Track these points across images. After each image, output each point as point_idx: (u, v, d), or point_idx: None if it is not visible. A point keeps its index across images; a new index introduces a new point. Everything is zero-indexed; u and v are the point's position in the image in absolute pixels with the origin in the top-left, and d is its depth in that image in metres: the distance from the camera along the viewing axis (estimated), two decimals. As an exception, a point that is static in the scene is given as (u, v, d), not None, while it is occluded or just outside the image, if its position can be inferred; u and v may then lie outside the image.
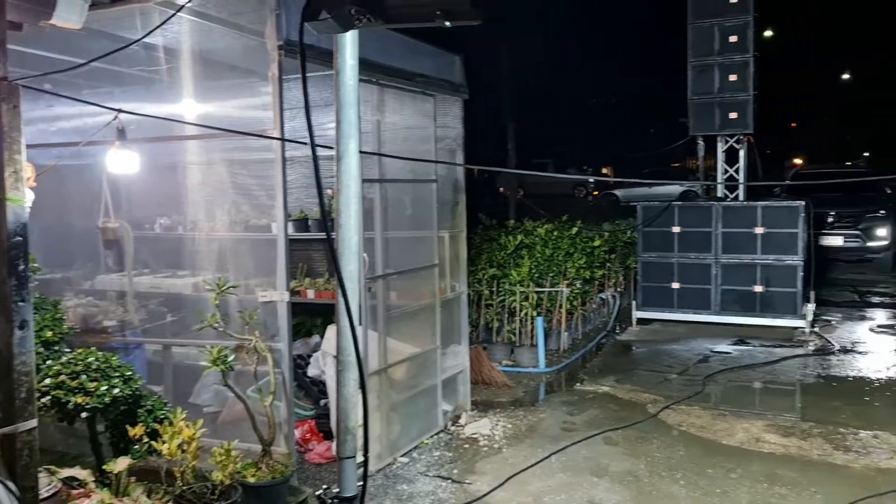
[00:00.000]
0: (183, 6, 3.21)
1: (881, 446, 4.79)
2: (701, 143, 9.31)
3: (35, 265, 3.83)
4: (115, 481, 3.18)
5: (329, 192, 4.17)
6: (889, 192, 14.35)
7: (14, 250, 2.38)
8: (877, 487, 4.15)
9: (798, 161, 38.29)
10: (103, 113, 3.57)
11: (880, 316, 9.05)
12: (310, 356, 5.07)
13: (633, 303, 8.65)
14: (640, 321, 8.57)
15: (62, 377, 3.30)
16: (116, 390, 3.35)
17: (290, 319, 3.89)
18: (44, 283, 4.48)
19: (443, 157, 5.09)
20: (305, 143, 2.45)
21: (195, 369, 4.41)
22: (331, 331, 4.75)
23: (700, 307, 8.31)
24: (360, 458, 2.77)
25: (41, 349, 3.65)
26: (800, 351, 7.34)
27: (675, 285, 8.37)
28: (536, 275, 7.26)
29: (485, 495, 4.17)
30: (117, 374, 3.42)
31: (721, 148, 9.09)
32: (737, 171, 9.12)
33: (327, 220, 2.73)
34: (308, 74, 2.38)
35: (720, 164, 9.19)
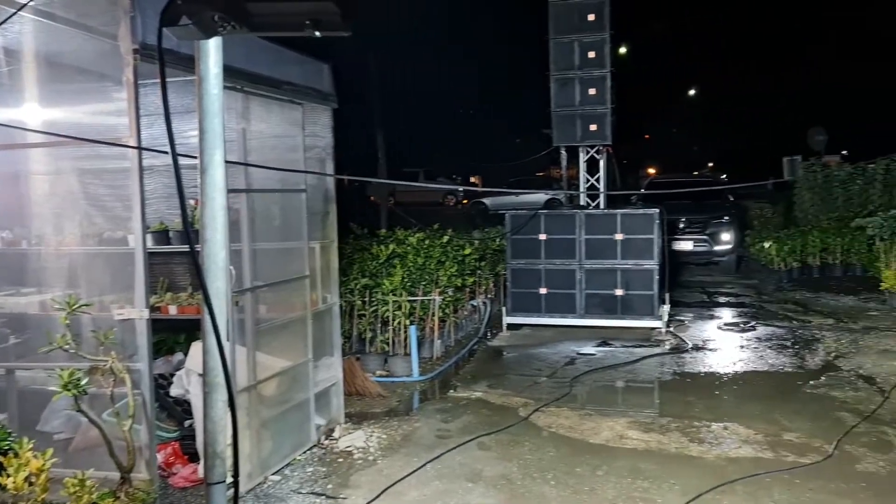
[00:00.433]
0: (23, 5, 2.97)
1: (731, 437, 5.14)
2: (564, 153, 9.68)
3: None
4: (-50, 524, 2.88)
5: (192, 202, 3.99)
6: (731, 199, 15.54)
7: None
8: (728, 475, 4.44)
9: (651, 170, 40.73)
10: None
11: (727, 315, 9.74)
12: (172, 375, 4.81)
13: (504, 309, 8.85)
14: (511, 326, 8.78)
15: None
16: (-50, 422, 3.04)
17: (151, 337, 3.68)
18: None
19: (312, 167, 5.00)
20: (165, 153, 2.33)
21: (43, 394, 4.08)
22: (195, 348, 4.54)
23: (566, 311, 8.62)
24: (229, 480, 2.65)
25: None
26: (657, 350, 7.76)
27: (543, 291, 8.64)
28: (409, 283, 7.27)
29: (360, 509, 4.12)
30: (-49, 404, 3.10)
31: (583, 158, 9.50)
32: (597, 180, 9.56)
33: (190, 233, 2.60)
34: (168, 80, 2.26)
35: (582, 173, 9.60)
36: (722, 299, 11.07)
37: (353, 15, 1.88)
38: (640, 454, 4.88)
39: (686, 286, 12.24)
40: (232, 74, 3.98)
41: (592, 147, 9.31)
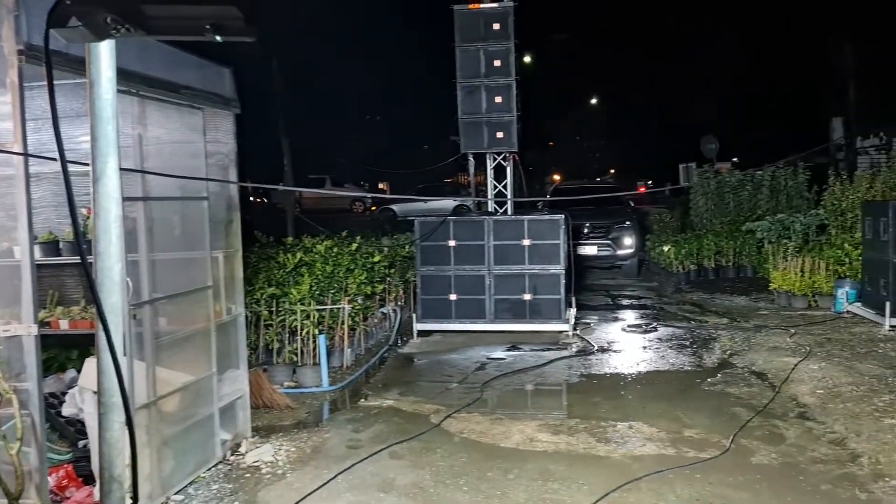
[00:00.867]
0: None
1: (635, 435, 5.29)
2: (472, 159, 9.77)
3: None
4: None
5: (84, 211, 3.78)
6: (632, 204, 16.11)
7: None
8: (633, 473, 4.57)
9: (557, 177, 41.78)
10: None
11: (630, 316, 10.06)
12: (64, 393, 4.54)
13: (414, 315, 8.84)
14: (421, 333, 8.78)
15: None
16: None
17: (40, 354, 3.46)
18: None
19: (214, 173, 4.84)
20: (54, 160, 2.19)
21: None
22: (89, 364, 4.30)
23: (476, 316, 8.69)
24: (128, 502, 2.51)
25: None
26: (565, 353, 7.92)
27: (453, 297, 8.68)
28: (317, 292, 7.16)
29: (269, 526, 4.01)
30: None
31: (490, 165, 9.61)
32: (505, 187, 9.69)
33: (82, 244, 2.45)
34: (57, 83, 2.12)
35: (489, 180, 9.71)
36: (625, 302, 11.43)
37: (257, 21, 1.82)
38: (550, 456, 4.96)
39: (591, 289, 12.58)
40: (127, 77, 3.81)
41: (499, 154, 9.43)
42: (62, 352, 4.99)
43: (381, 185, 37.33)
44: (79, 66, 2.48)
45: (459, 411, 5.92)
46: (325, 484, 4.51)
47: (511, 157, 9.47)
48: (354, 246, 8.15)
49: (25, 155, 3.26)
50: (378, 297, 8.52)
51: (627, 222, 14.05)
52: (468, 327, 8.71)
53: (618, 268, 14.46)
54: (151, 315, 4.22)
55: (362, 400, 6.37)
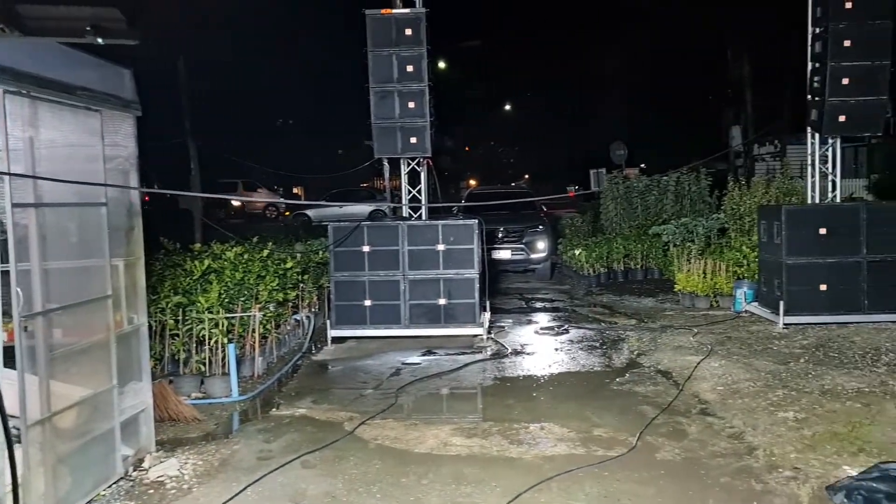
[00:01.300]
0: None
1: (547, 436, 5.38)
2: (387, 164, 9.75)
3: None
4: None
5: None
6: (545, 209, 16.44)
7: None
8: (545, 473, 4.64)
9: (473, 182, 42.23)
10: None
11: (543, 319, 10.23)
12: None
13: (328, 322, 8.72)
14: (336, 340, 8.67)
15: None
16: None
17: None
18: None
19: (114, 178, 4.64)
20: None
21: None
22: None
23: (391, 322, 8.65)
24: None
25: None
26: (479, 356, 7.98)
27: (368, 302, 8.62)
28: (227, 300, 6.97)
29: (174, 543, 3.86)
30: None
31: (404, 170, 9.60)
32: (419, 192, 9.70)
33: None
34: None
35: (404, 185, 9.70)
36: (538, 305, 11.63)
37: (139, 24, 1.75)
38: (464, 460, 4.98)
39: (505, 293, 12.74)
40: (15, 77, 3.61)
41: (413, 159, 9.44)
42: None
43: (295, 190, 36.78)
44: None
45: (374, 418, 5.88)
46: (234, 497, 4.39)
47: (425, 162, 9.49)
48: (266, 252, 7.97)
49: None
50: (291, 303, 8.38)
51: (540, 227, 14.33)
52: (383, 333, 8.66)
53: (531, 271, 14.71)
54: (45, 327, 4.00)
55: (274, 409, 6.24)
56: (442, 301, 8.62)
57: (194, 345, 6.69)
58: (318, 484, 4.60)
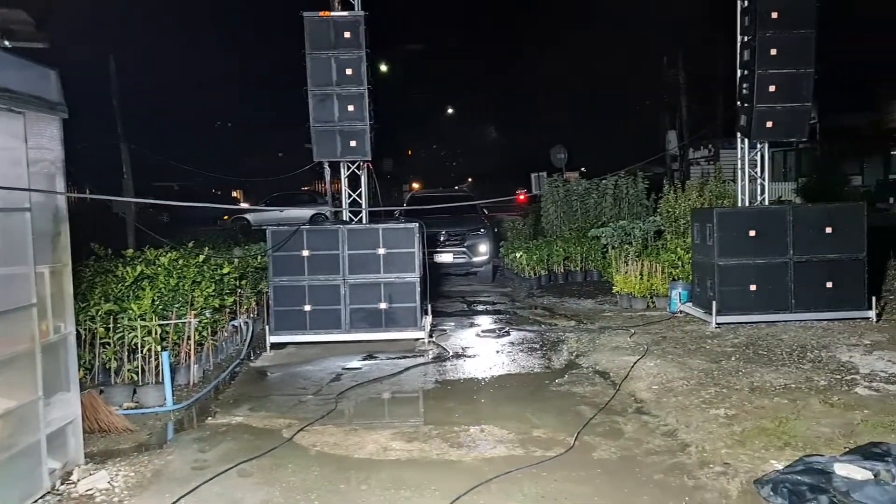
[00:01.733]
0: None
1: (487, 438, 5.41)
2: (327, 167, 9.64)
3: None
4: None
5: None
6: (486, 212, 16.55)
7: None
8: (484, 475, 4.66)
9: (416, 185, 42.26)
10: None
11: (484, 322, 10.29)
12: None
13: (267, 328, 8.60)
14: (275, 346, 8.55)
15: None
16: None
17: None
18: None
19: (39, 183, 4.48)
20: None
21: None
22: None
23: (332, 327, 8.58)
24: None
25: None
26: (421, 360, 7.98)
27: (308, 308, 8.52)
28: (161, 306, 6.80)
29: (103, 558, 3.74)
30: None
31: (344, 173, 9.53)
32: (359, 196, 9.65)
33: None
34: None
35: (344, 188, 9.63)
36: (480, 307, 11.69)
37: (48, 26, 1.69)
38: (404, 464, 4.97)
39: (447, 296, 12.78)
40: (-72, 76, 3.46)
41: (353, 162, 9.38)
42: None
43: (234, 194, 36.15)
44: None
45: (313, 424, 5.81)
46: (167, 509, 4.28)
47: (365, 165, 9.45)
48: (202, 257, 7.80)
49: None
50: (228, 309, 8.23)
51: (482, 230, 14.42)
52: (323, 338, 8.58)
53: (473, 274, 14.79)
54: (-37, 337, 3.84)
55: (210, 418, 6.10)
56: (383, 305, 8.59)
57: (126, 353, 6.51)
58: (254, 493, 4.52)
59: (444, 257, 13.96)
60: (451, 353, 8.25)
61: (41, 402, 4.42)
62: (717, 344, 7.92)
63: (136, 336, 6.44)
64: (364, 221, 9.52)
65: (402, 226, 8.81)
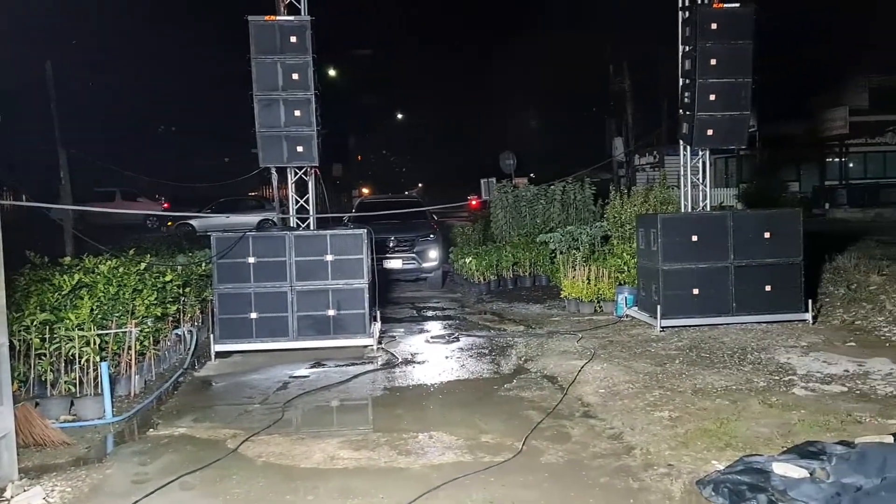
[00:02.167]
0: None
1: (435, 445, 5.40)
2: (275, 173, 9.54)
3: None
4: None
5: None
6: (436, 218, 16.58)
7: None
8: (432, 482, 4.64)
9: (366, 190, 42.09)
10: None
11: (434, 328, 10.29)
12: None
13: (212, 336, 8.43)
14: (220, 354, 8.39)
15: None
16: None
17: None
18: None
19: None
20: None
21: None
22: None
23: (279, 335, 8.46)
24: None
25: None
26: (370, 367, 7.93)
27: (254, 315, 8.39)
28: (100, 316, 6.61)
29: (36, 578, 3.60)
30: None
31: (291, 179, 9.43)
32: (307, 202, 9.55)
33: None
34: None
35: (291, 194, 9.52)
36: (430, 313, 11.68)
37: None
38: (352, 472, 4.92)
39: (397, 302, 12.73)
40: None
41: (300, 168, 9.29)
42: None
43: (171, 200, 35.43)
44: None
45: (259, 434, 5.72)
46: (105, 525, 4.15)
47: (313, 171, 9.36)
48: (143, 265, 7.61)
49: None
50: (171, 318, 8.04)
51: (431, 236, 14.43)
52: (270, 346, 8.45)
53: (423, 280, 14.78)
54: None
55: (151, 430, 5.95)
56: (331, 312, 8.51)
57: (63, 364, 6.29)
58: (197, 506, 4.42)
59: (394, 263, 13.91)
60: (400, 360, 8.21)
61: (-30, 416, 4.25)
62: (662, 347, 8.07)
63: (74, 346, 6.24)
64: (312, 228, 9.42)
65: (350, 232, 8.75)
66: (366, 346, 8.66)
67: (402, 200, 17.90)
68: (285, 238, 8.50)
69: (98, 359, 6.27)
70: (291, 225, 9.49)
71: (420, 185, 48.38)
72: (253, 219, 22.29)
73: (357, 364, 8.05)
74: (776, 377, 6.68)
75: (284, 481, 4.79)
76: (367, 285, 8.58)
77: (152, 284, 7.43)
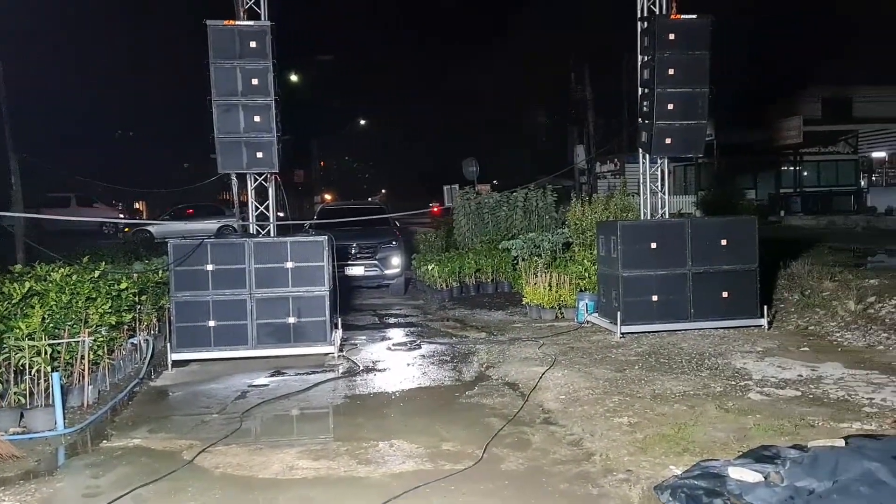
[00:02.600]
0: None
1: (396, 454, 5.36)
2: (235, 179, 9.41)
3: None
4: None
5: None
6: (398, 225, 16.54)
7: None
8: (392, 492, 4.61)
9: (328, 196, 41.83)
10: None
11: (396, 335, 10.24)
12: None
13: (169, 345, 8.28)
14: (177, 363, 8.24)
15: None
16: None
17: None
18: None
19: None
20: None
21: None
22: None
23: (238, 343, 8.34)
24: None
25: None
26: (331, 375, 7.86)
27: (212, 323, 8.26)
28: (52, 325, 6.44)
29: None
30: None
31: (251, 185, 9.32)
32: (267, 208, 9.45)
33: None
34: None
35: (251, 201, 9.41)
36: (392, 320, 11.64)
37: None
38: (310, 482, 4.87)
39: (359, 309, 12.66)
40: None
41: (261, 174, 9.18)
42: None
43: (137, 206, 34.82)
44: None
45: (216, 444, 5.62)
46: (54, 541, 4.03)
47: (273, 177, 9.26)
48: (97, 272, 7.44)
49: None
50: (127, 326, 7.87)
51: (394, 242, 14.38)
52: (229, 354, 8.33)
53: (386, 287, 14.72)
54: None
55: (105, 441, 5.81)
56: (291, 320, 8.42)
57: (12, 375, 6.11)
58: (151, 519, 4.32)
59: (356, 270, 13.83)
60: (361, 368, 8.16)
61: (-88, 430, 4.10)
62: (622, 353, 8.15)
63: (24, 356, 6.06)
64: (272, 234, 9.32)
65: (310, 239, 8.67)
66: (327, 354, 8.59)
67: (365, 207, 17.84)
68: (244, 245, 8.40)
69: (49, 369, 6.11)
70: (251, 231, 9.37)
71: (383, 191, 48.27)
72: (212, 225, 21.99)
73: (318, 372, 7.98)
74: (733, 382, 6.78)
75: (242, 493, 4.71)
76: (328, 292, 8.51)
77: (107, 292, 7.27)
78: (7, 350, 6.09)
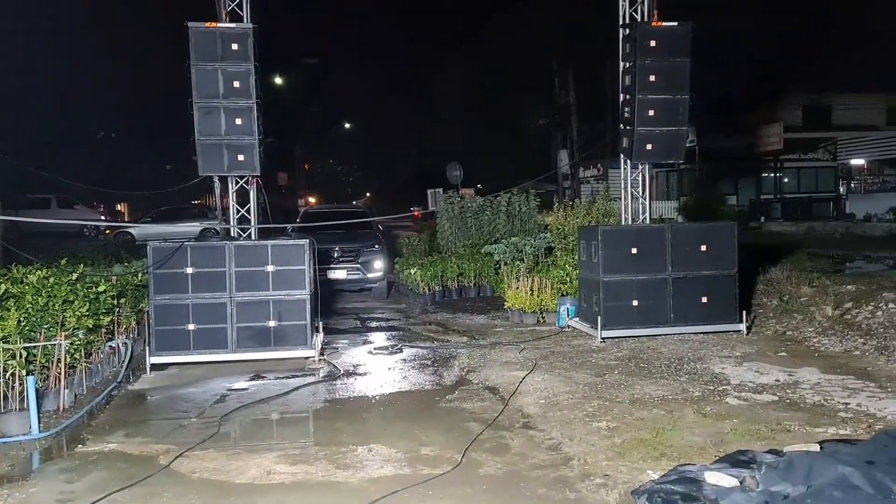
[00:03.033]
0: None
1: (374, 458, 5.35)
2: (217, 182, 9.37)
3: None
4: None
5: None
6: (381, 228, 16.52)
7: None
8: (370, 497, 4.60)
9: (312, 199, 41.72)
10: None
11: (378, 339, 10.22)
12: None
13: (147, 348, 8.21)
14: (155, 367, 8.17)
15: None
16: None
17: None
18: None
19: None
20: None
21: None
22: None
23: (217, 346, 8.29)
24: None
25: None
26: (311, 379, 7.82)
27: (192, 327, 8.21)
28: (28, 328, 6.37)
29: None
30: None
31: (232, 188, 9.28)
32: (248, 211, 9.41)
33: None
34: None
35: (232, 204, 9.37)
36: (374, 324, 11.61)
37: None
38: (288, 488, 4.84)
39: (341, 313, 12.62)
40: None
41: (242, 177, 9.14)
42: None
43: (118, 207, 34.54)
44: None
45: (193, 449, 5.58)
46: (26, 547, 3.99)
47: (254, 180, 9.23)
48: (75, 275, 7.37)
49: None
50: (105, 329, 7.80)
51: (377, 246, 14.37)
52: (209, 358, 8.27)
53: (368, 290, 14.69)
54: None
55: (80, 446, 5.75)
56: (272, 323, 8.38)
57: (-13, 378, 6.05)
58: (125, 525, 4.28)
59: (338, 274, 13.80)
60: (342, 372, 8.13)
61: None
62: (602, 358, 8.18)
63: (-1, 360, 5.99)
64: (253, 237, 9.28)
65: (291, 243, 8.64)
66: (307, 358, 8.56)
67: (348, 211, 17.79)
68: (225, 248, 8.35)
69: (24, 372, 6.04)
70: (232, 235, 9.32)
71: (368, 194, 48.23)
72: (194, 228, 21.86)
73: (298, 376, 7.94)
74: (711, 387, 6.83)
75: (218, 498, 4.68)
76: (309, 296, 8.48)
77: (84, 295, 7.20)
78: (-19, 353, 6.01)
